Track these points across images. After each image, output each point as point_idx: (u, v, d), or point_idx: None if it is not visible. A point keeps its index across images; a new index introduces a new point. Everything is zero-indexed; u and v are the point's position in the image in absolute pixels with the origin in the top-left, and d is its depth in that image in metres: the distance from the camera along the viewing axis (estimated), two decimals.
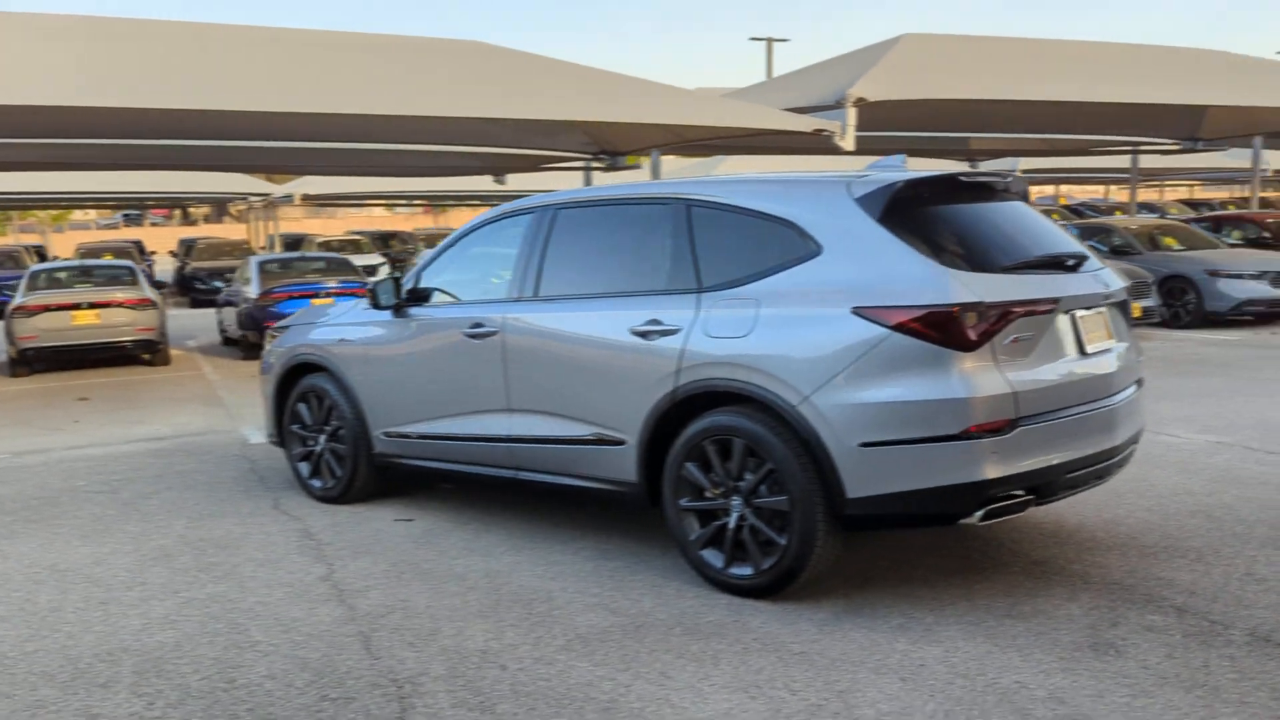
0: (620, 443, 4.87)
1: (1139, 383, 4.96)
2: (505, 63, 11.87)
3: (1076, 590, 4.51)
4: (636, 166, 16.86)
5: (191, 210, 60.76)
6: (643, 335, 4.75)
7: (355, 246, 28.23)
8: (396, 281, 5.97)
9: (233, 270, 21.13)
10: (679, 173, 23.52)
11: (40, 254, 27.92)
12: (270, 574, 5.08)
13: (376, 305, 5.98)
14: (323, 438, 6.37)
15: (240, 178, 23.66)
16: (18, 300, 13.33)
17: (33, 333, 12.95)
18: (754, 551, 4.45)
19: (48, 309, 13.05)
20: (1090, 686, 3.63)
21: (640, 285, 4.92)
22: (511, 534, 5.58)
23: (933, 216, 4.43)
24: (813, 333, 4.26)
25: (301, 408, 6.50)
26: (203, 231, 49.92)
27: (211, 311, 18.19)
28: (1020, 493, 4.22)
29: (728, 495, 4.51)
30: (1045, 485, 4.30)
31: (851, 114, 10.72)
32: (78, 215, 60.27)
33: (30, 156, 13.55)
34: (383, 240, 31.85)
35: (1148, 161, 22.84)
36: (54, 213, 46.80)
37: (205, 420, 9.49)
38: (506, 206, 5.75)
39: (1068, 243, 4.79)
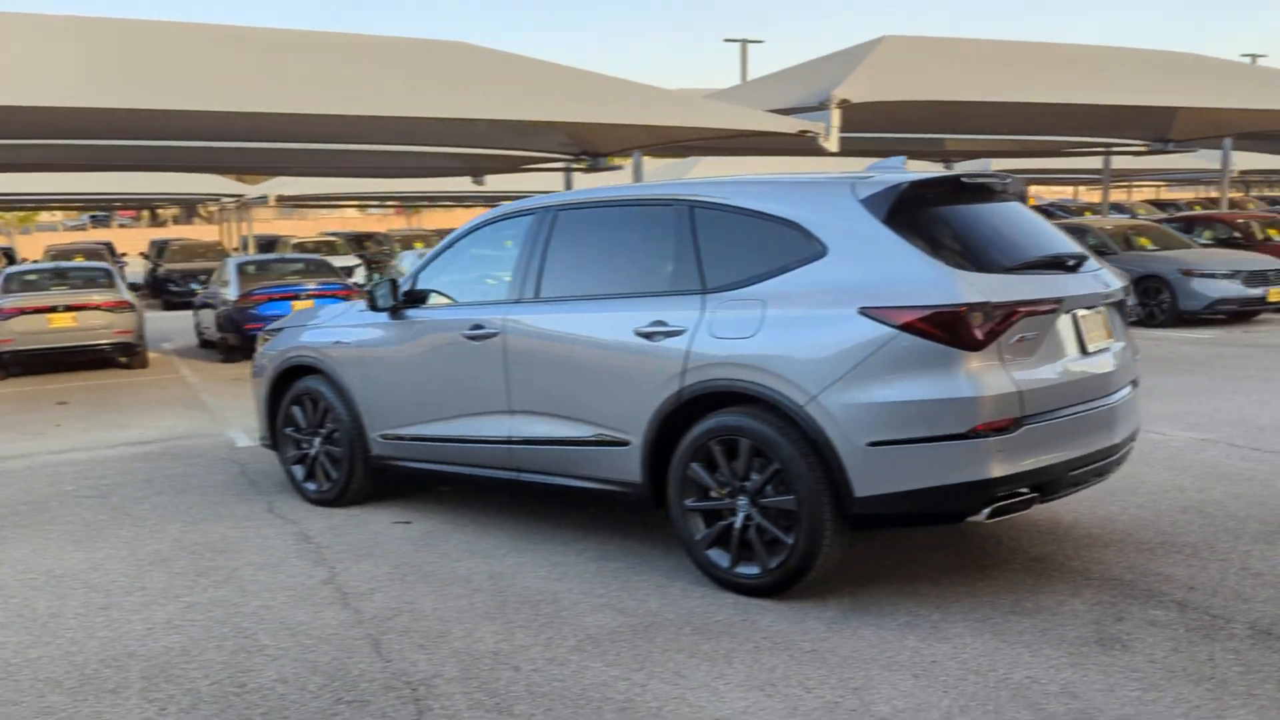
0: (624, 443, 4.88)
1: (1134, 382, 5.03)
2: (486, 63, 11.80)
3: (1078, 586, 4.57)
4: (618, 168, 16.83)
5: (160, 211, 60.07)
6: (647, 336, 4.76)
7: (330, 248, 27.98)
8: (394, 284, 5.95)
9: (207, 272, 20.97)
10: (652, 174, 23.47)
11: (9, 256, 27.53)
12: (271, 578, 5.05)
13: (374, 307, 5.96)
14: (318, 440, 6.34)
15: (213, 178, 23.42)
16: None
17: (9, 336, 12.80)
18: (760, 551, 4.47)
19: (23, 312, 12.89)
20: (1100, 681, 3.68)
21: (644, 286, 4.93)
22: (512, 536, 5.57)
23: (936, 217, 4.48)
24: (819, 333, 4.29)
25: (296, 410, 6.46)
26: (172, 233, 49.33)
27: (187, 314, 18.00)
28: (1025, 490, 4.27)
29: (734, 495, 4.53)
30: (1049, 483, 4.36)
31: (836, 115, 10.78)
32: (45, 217, 59.49)
33: None
34: (358, 241, 31.60)
35: (1118, 162, 23.10)
36: (20, 214, 46.17)
37: (189, 424, 9.40)
38: (506, 208, 5.75)
39: (1067, 243, 4.85)
